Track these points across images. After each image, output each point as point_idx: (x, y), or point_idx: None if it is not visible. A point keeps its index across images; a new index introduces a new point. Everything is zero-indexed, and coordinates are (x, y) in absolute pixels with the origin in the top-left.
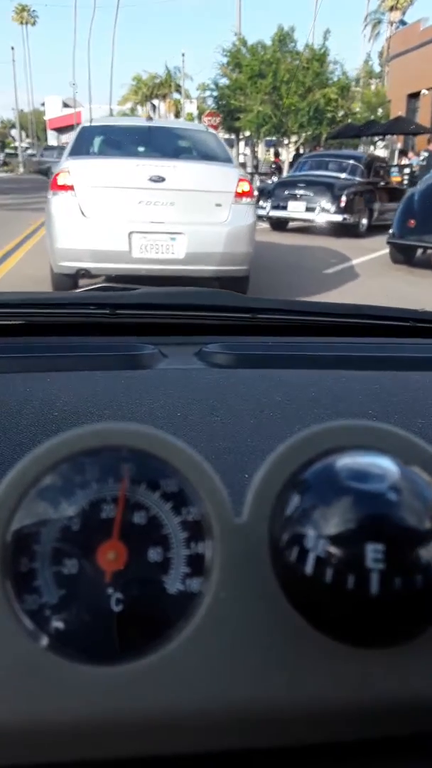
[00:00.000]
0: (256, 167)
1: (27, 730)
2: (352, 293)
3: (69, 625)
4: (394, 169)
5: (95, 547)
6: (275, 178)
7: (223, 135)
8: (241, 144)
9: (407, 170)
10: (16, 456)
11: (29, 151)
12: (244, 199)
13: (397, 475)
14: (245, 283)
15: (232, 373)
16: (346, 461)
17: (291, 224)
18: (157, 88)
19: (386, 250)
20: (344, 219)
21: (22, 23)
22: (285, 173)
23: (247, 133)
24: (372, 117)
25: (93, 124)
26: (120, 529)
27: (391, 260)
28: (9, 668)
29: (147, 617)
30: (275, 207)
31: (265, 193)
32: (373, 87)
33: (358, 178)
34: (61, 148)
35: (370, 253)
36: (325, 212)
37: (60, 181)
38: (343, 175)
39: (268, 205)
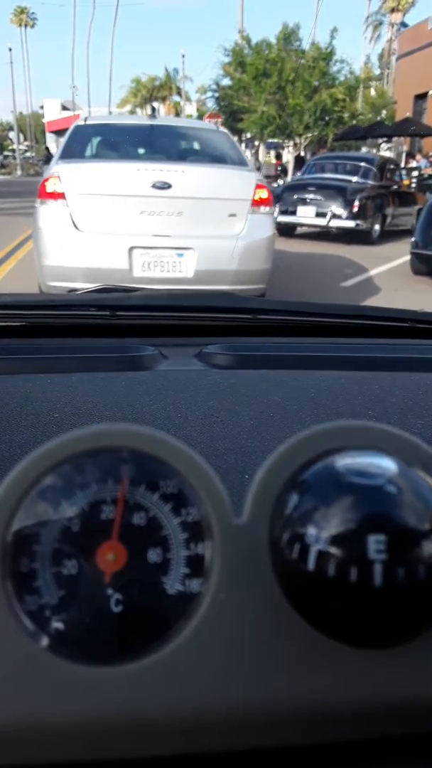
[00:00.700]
0: (258, 170)
1: (27, 730)
2: None
3: (69, 626)
4: (399, 172)
5: (95, 548)
6: (281, 182)
7: None
8: (242, 146)
9: (415, 173)
10: (17, 457)
11: (27, 154)
12: (263, 208)
13: (396, 474)
14: None
15: (232, 374)
16: (346, 461)
17: (299, 230)
18: (157, 91)
19: (404, 259)
20: (357, 225)
21: (20, 26)
22: (289, 177)
23: (248, 135)
24: (378, 119)
25: (88, 122)
26: (120, 530)
27: (412, 271)
28: (9, 668)
29: (147, 618)
30: (283, 212)
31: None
32: (373, 90)
33: (370, 182)
34: None
35: (387, 263)
36: (336, 218)
37: (49, 188)
38: (354, 179)
39: (275, 210)
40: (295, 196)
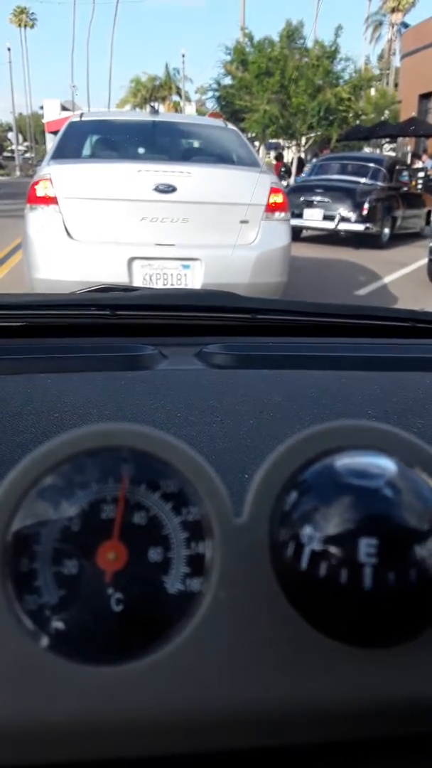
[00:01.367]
0: None
1: (27, 730)
2: None
3: (69, 625)
4: (405, 173)
5: (95, 547)
6: (285, 183)
7: None
8: None
9: (421, 174)
10: (17, 456)
11: (27, 155)
12: (278, 214)
13: (396, 474)
14: None
15: (232, 373)
16: (346, 461)
17: (304, 233)
18: (156, 91)
19: (418, 264)
20: (367, 228)
21: (20, 26)
22: (292, 178)
23: (249, 135)
24: (381, 118)
25: (84, 118)
26: (120, 530)
27: (429, 278)
28: (9, 668)
29: (147, 617)
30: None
31: None
32: (373, 90)
33: (380, 183)
34: None
35: (401, 268)
36: (345, 221)
37: (39, 192)
38: (363, 180)
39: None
40: (301, 199)
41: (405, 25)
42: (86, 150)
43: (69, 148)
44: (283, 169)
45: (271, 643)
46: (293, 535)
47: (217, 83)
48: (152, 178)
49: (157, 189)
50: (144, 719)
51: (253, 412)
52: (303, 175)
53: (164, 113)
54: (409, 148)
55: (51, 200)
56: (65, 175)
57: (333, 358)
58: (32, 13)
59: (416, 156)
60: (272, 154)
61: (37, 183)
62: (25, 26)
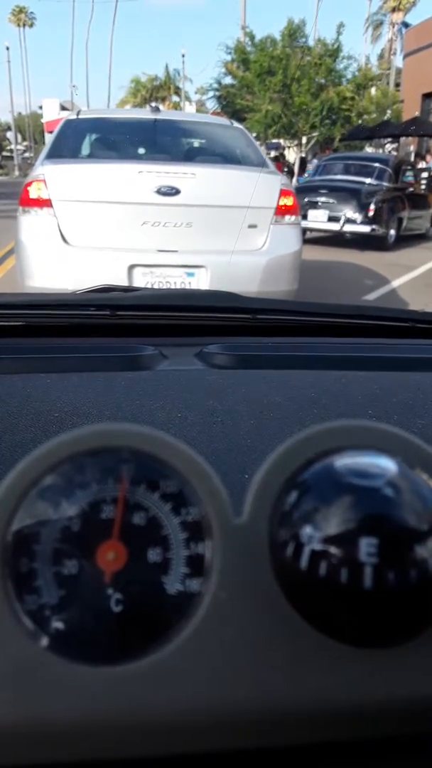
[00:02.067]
0: None
1: (27, 730)
2: None
3: (69, 626)
4: (408, 173)
5: (95, 547)
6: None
7: None
8: None
9: (425, 174)
10: (17, 456)
11: (26, 155)
12: (288, 218)
13: (396, 474)
14: None
15: (232, 374)
16: (346, 461)
17: (308, 235)
18: (156, 91)
19: (425, 268)
20: (373, 230)
21: (19, 25)
22: (294, 179)
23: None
24: (384, 118)
25: (81, 116)
26: (120, 530)
27: None
28: (9, 668)
29: (147, 617)
30: None
31: None
32: (373, 90)
33: (385, 184)
34: None
35: (409, 272)
36: (350, 222)
37: (32, 194)
38: (368, 180)
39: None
40: (306, 200)
41: (405, 25)
42: (83, 149)
43: (65, 148)
44: (285, 170)
45: (271, 643)
46: (293, 535)
47: (218, 83)
48: (154, 179)
49: (159, 191)
50: (144, 719)
51: (253, 413)
52: (306, 175)
53: (166, 111)
54: (411, 147)
55: (45, 203)
56: (60, 176)
57: (333, 358)
58: (31, 12)
59: (420, 156)
60: (272, 154)
61: (30, 184)
62: (24, 25)
